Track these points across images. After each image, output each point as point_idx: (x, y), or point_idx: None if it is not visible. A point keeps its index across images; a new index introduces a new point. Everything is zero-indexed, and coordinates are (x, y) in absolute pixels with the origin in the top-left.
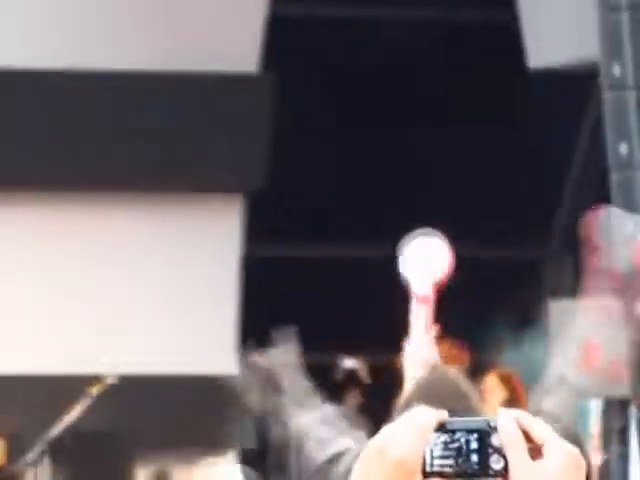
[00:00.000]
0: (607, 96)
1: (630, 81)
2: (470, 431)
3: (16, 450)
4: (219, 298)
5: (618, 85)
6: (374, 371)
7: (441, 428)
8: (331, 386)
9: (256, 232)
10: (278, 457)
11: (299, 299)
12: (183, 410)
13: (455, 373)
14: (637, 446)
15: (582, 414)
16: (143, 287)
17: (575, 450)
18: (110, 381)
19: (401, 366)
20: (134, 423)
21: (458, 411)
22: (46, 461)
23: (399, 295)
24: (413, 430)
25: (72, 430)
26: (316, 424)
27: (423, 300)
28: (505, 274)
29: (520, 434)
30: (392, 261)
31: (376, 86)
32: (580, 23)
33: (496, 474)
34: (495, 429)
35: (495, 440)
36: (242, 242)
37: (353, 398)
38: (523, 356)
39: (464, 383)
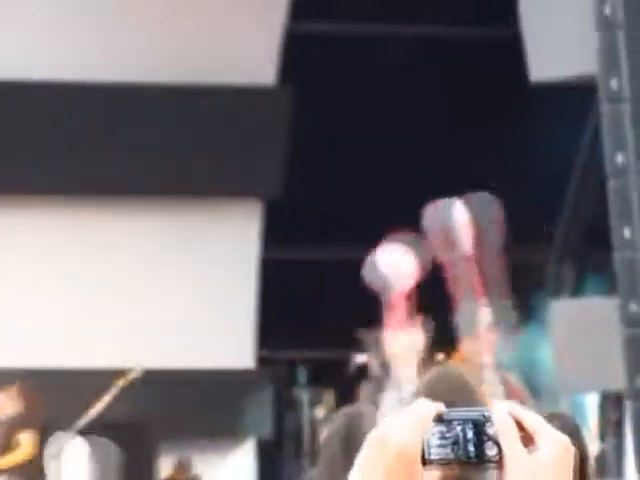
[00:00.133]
0: (605, 108)
1: (626, 94)
2: (466, 421)
3: (47, 441)
4: (238, 297)
5: (615, 98)
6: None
7: (439, 419)
8: (344, 380)
9: (273, 236)
10: (294, 446)
11: (314, 298)
12: (203, 402)
13: (460, 370)
14: (631, 438)
15: (579, 408)
16: (167, 287)
17: (566, 439)
18: (135, 375)
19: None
20: (158, 414)
21: (461, 405)
22: (81, 445)
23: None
24: (412, 421)
25: (100, 421)
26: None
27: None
28: (508, 277)
29: (513, 423)
30: None
31: (384, 99)
32: (580, 40)
33: (491, 461)
34: (489, 419)
35: (490, 429)
36: (260, 245)
37: (364, 392)
38: (524, 355)
39: (468, 379)
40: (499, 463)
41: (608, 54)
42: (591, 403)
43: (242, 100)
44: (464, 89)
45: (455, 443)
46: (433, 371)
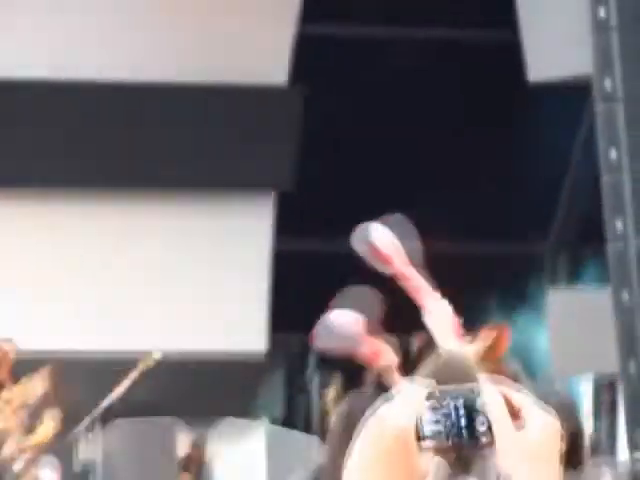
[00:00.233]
0: (599, 107)
1: (619, 94)
2: (457, 398)
3: (72, 419)
4: (251, 284)
5: (609, 98)
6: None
7: (431, 397)
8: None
9: (286, 228)
10: (304, 427)
11: (324, 286)
12: (218, 384)
13: (465, 353)
14: (623, 418)
15: (574, 391)
16: (185, 274)
17: (552, 418)
18: (155, 358)
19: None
20: (175, 395)
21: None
22: (98, 429)
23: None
24: (406, 403)
25: (121, 401)
26: None
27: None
28: (508, 267)
29: (502, 400)
30: None
31: (390, 98)
32: (576, 42)
33: (481, 435)
34: (479, 395)
35: (479, 405)
36: (273, 235)
37: (372, 376)
38: (523, 342)
39: (472, 362)
40: (489, 438)
41: (602, 55)
42: (586, 387)
43: (255, 99)
44: (467, 91)
45: (447, 419)
46: (437, 354)
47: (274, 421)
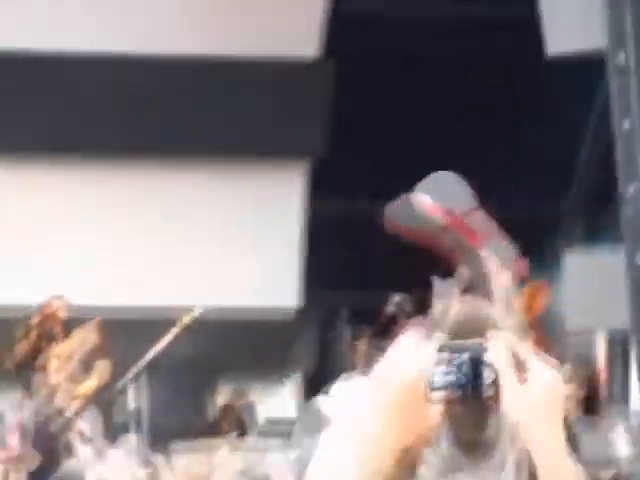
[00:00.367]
0: (613, 80)
1: (633, 68)
2: (466, 351)
3: (120, 371)
4: (285, 245)
5: (622, 71)
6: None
7: (442, 350)
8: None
9: (320, 190)
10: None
11: (357, 245)
12: (254, 338)
13: (482, 307)
14: (636, 370)
15: (590, 343)
16: (226, 236)
17: (555, 371)
18: (197, 313)
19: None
20: (217, 348)
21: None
22: (144, 379)
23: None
24: (415, 357)
25: (166, 354)
26: None
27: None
28: (525, 231)
29: (507, 353)
30: None
31: (417, 71)
32: (592, 16)
33: (488, 388)
34: (487, 349)
35: (487, 358)
36: (308, 198)
37: (401, 328)
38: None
39: (489, 316)
40: (495, 391)
41: (616, 30)
42: (600, 342)
43: (288, 72)
44: (488, 64)
45: (457, 371)
46: (458, 306)
47: (307, 374)
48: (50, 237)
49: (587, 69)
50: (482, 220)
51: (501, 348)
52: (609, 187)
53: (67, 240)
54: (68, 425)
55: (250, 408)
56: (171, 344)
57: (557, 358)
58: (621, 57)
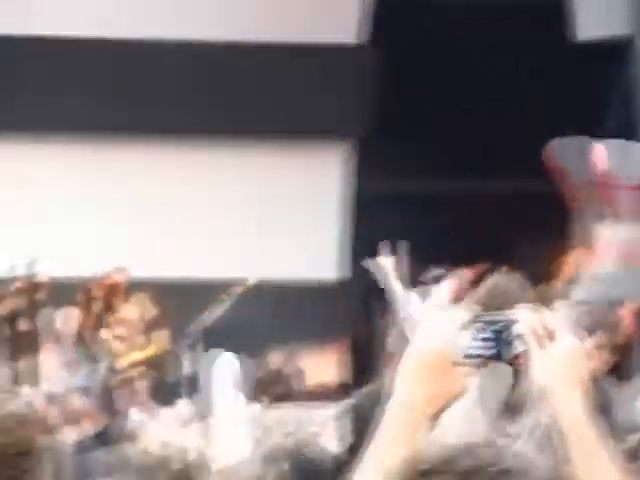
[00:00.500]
0: (637, 63)
1: None
2: (497, 322)
3: (178, 337)
4: (327, 220)
5: None
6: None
7: (474, 321)
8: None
9: (365, 170)
10: (382, 343)
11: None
12: (306, 305)
13: (513, 279)
14: None
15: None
16: (275, 211)
17: (577, 342)
18: (250, 284)
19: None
20: (268, 316)
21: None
22: (200, 346)
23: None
24: (446, 324)
25: (221, 321)
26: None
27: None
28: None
29: (536, 325)
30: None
31: (461, 53)
32: (621, 3)
33: (518, 356)
34: (517, 321)
35: (517, 329)
36: (351, 177)
37: None
38: None
39: (522, 287)
40: (524, 358)
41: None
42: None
43: (335, 55)
44: (517, 47)
45: (486, 342)
46: (492, 279)
47: (353, 343)
48: (107, 211)
49: (614, 53)
50: (629, 197)
51: (530, 319)
52: None
53: (126, 214)
54: (128, 389)
55: (299, 372)
56: (227, 312)
57: (588, 324)
58: None
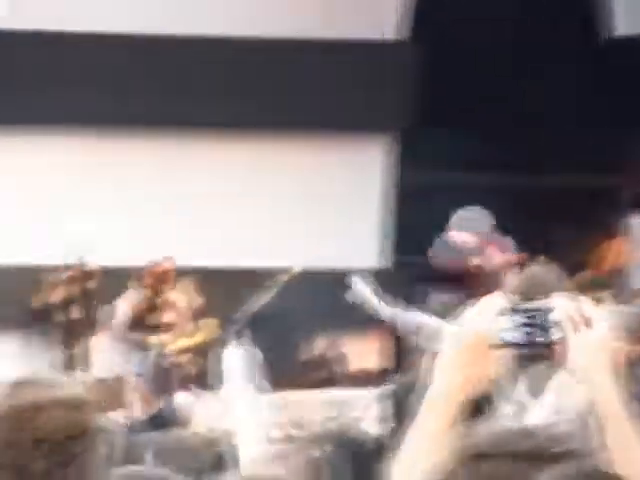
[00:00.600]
0: None
1: None
2: (535, 310)
3: (225, 324)
4: (373, 212)
5: None
6: None
7: (512, 309)
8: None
9: (407, 162)
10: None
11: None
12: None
13: (549, 269)
14: None
15: None
16: (317, 203)
17: (606, 330)
18: (296, 271)
19: None
20: (314, 303)
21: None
22: (248, 331)
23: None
24: (484, 311)
25: (267, 308)
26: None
27: None
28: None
29: (572, 313)
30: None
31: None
32: None
33: (555, 342)
34: (553, 309)
35: (554, 317)
36: (392, 169)
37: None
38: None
39: (559, 277)
40: (561, 345)
41: None
42: None
43: (376, 51)
44: (554, 40)
45: (524, 329)
46: (529, 269)
47: (394, 330)
48: (152, 202)
49: None
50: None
51: (567, 306)
52: None
53: (169, 205)
54: (177, 374)
55: (342, 357)
56: (273, 299)
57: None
58: None
